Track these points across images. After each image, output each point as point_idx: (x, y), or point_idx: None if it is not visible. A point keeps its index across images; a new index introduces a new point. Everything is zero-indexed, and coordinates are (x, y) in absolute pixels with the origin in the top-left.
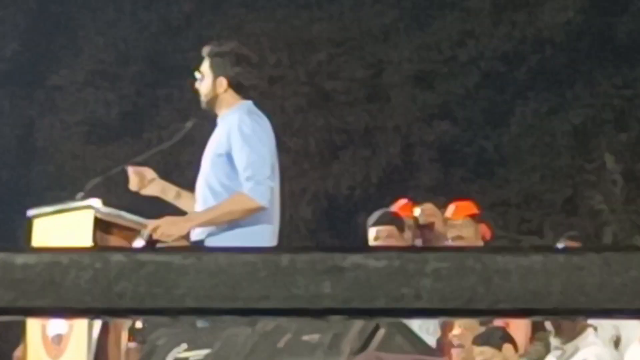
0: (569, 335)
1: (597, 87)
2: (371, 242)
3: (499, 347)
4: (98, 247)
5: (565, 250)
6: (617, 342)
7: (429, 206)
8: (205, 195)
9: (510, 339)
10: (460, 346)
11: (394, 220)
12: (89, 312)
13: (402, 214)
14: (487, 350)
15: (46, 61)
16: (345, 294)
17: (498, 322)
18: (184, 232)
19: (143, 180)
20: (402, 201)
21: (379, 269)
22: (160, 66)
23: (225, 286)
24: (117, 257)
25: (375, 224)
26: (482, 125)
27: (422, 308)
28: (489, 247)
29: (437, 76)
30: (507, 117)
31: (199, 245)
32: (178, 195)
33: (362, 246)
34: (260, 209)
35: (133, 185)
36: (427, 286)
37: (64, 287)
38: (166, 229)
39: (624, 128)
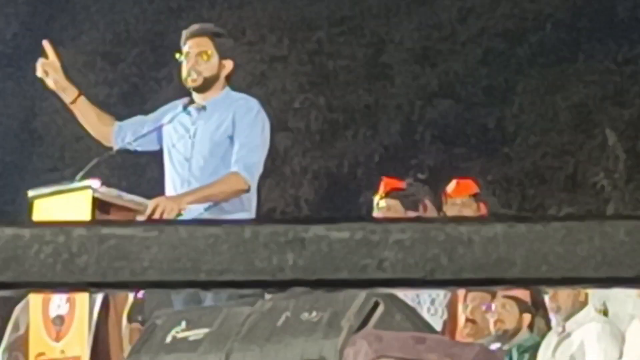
0: (569, 311)
1: (599, 64)
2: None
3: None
4: (59, 222)
5: (527, 219)
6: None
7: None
8: (206, 172)
9: (528, 309)
10: (473, 321)
11: (399, 195)
12: (50, 286)
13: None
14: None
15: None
16: (308, 266)
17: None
18: (183, 207)
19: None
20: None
21: (341, 240)
22: (161, 46)
23: (187, 259)
24: (79, 231)
25: (381, 197)
26: (484, 102)
27: (385, 279)
28: (452, 217)
29: (438, 54)
30: (509, 95)
31: (160, 219)
32: (75, 99)
33: (325, 217)
34: (247, 191)
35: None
36: (390, 257)
37: (26, 262)
38: (166, 205)
39: (626, 104)
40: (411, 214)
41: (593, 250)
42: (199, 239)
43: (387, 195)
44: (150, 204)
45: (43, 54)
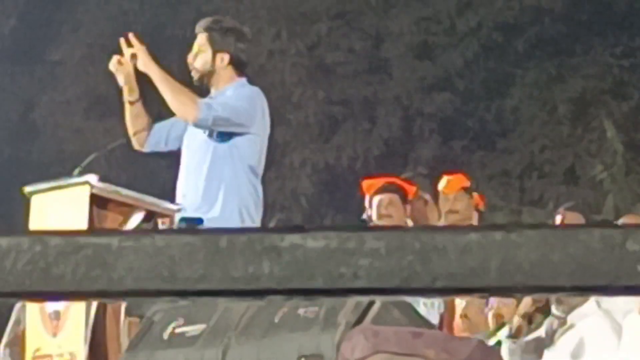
0: (571, 304)
1: (597, 57)
2: (373, 210)
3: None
4: (36, 231)
5: (502, 227)
6: None
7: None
8: (196, 172)
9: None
10: (466, 316)
11: (398, 189)
12: (27, 295)
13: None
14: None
15: (45, 36)
16: (283, 274)
17: None
18: (139, 62)
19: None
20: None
21: (316, 248)
22: (160, 40)
23: (163, 267)
24: (56, 240)
25: (378, 192)
26: (482, 96)
27: (360, 287)
28: (427, 226)
29: (436, 47)
30: (507, 88)
31: (136, 229)
32: (134, 103)
33: (300, 226)
34: (193, 121)
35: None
36: (365, 265)
37: (2, 271)
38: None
39: (624, 97)
40: (408, 207)
41: (567, 258)
42: (175, 248)
43: (383, 190)
44: (129, 51)
45: (119, 49)
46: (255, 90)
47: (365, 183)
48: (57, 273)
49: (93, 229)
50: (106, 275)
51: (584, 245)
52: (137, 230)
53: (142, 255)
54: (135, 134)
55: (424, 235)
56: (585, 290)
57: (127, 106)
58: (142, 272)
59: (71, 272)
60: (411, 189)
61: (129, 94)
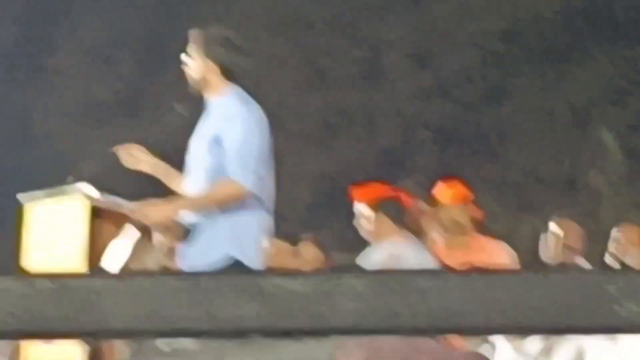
0: None
1: (596, 65)
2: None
3: None
4: (24, 274)
5: (481, 271)
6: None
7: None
8: (197, 178)
9: None
10: None
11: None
12: (14, 335)
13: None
14: None
15: (43, 44)
16: (266, 315)
17: None
18: (168, 217)
19: (133, 157)
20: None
21: (300, 290)
22: (156, 47)
23: (149, 308)
24: (43, 283)
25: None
26: (480, 104)
27: (342, 327)
28: (408, 270)
29: (434, 55)
30: (505, 96)
31: (123, 271)
32: (168, 174)
33: (283, 269)
34: (247, 196)
35: (126, 162)
36: (347, 306)
37: None
38: (150, 213)
39: (623, 105)
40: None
41: (546, 299)
42: (161, 290)
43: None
44: (130, 207)
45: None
46: (258, 116)
47: (355, 191)
48: (44, 314)
49: (90, 242)
50: (94, 316)
51: (562, 287)
52: (124, 273)
53: (129, 296)
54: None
55: (405, 278)
56: (564, 330)
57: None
58: (128, 313)
59: (58, 312)
60: (407, 200)
61: (159, 172)
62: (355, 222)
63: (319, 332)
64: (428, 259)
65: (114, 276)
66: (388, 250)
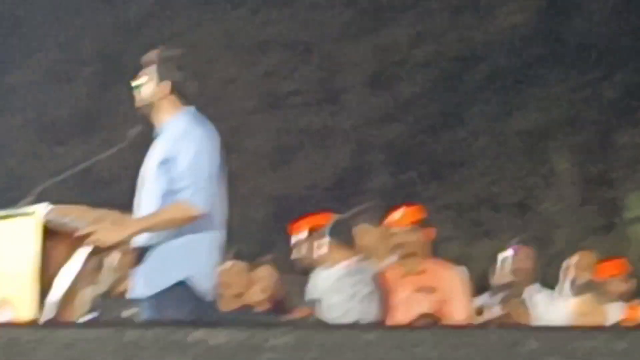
0: None
1: (550, 90)
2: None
3: None
4: None
5: (399, 327)
6: None
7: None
8: (148, 202)
9: None
10: None
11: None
12: None
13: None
14: None
15: (0, 61)
16: None
17: None
18: (119, 239)
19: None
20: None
21: (221, 344)
22: (114, 67)
23: (73, 359)
24: None
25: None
26: (435, 126)
27: None
28: (327, 324)
29: (390, 78)
30: (460, 120)
31: (47, 321)
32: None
33: (207, 321)
34: (200, 217)
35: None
36: None
37: None
38: (102, 235)
39: (578, 130)
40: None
41: (465, 357)
42: (84, 342)
43: (312, 233)
44: (84, 231)
45: None
46: (210, 135)
47: (297, 223)
48: None
49: (42, 262)
50: None
51: (481, 344)
52: (46, 323)
53: (52, 347)
54: None
55: (326, 332)
56: None
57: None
58: None
59: None
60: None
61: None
62: (295, 252)
63: None
64: (370, 285)
65: (37, 327)
66: (333, 276)
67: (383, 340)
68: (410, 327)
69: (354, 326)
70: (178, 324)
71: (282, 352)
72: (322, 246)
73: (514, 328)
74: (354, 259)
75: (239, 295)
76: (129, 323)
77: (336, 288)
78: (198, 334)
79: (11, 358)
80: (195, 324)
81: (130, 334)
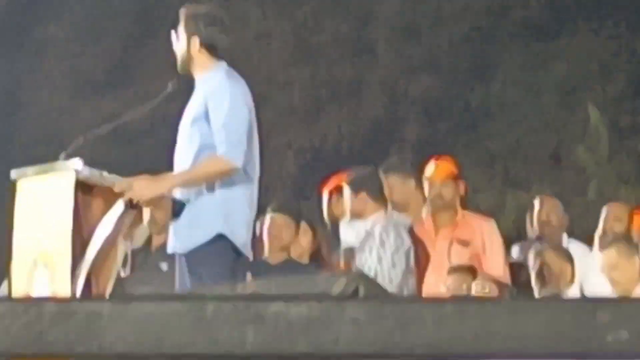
0: (553, 290)
1: (583, 41)
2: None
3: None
4: (31, 298)
5: (476, 299)
6: None
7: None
8: (183, 158)
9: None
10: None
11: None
12: (22, 357)
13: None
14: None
15: (32, 16)
16: (267, 341)
17: None
18: (155, 194)
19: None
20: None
21: (299, 316)
22: (147, 20)
23: (152, 333)
24: (50, 307)
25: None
26: (468, 78)
27: (341, 353)
28: (405, 297)
29: (422, 29)
30: (493, 71)
31: (126, 295)
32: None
33: (284, 294)
34: (235, 171)
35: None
36: (346, 332)
37: None
38: (138, 190)
39: (609, 81)
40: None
41: (540, 327)
42: (163, 314)
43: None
44: (121, 185)
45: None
46: (243, 91)
47: (325, 183)
48: (50, 338)
49: (79, 217)
50: (97, 340)
51: (556, 315)
52: (127, 296)
53: (132, 321)
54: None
55: (402, 305)
56: (557, 357)
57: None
58: (131, 337)
59: (64, 337)
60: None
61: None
62: (326, 207)
63: (319, 358)
64: (393, 237)
65: (117, 301)
66: (364, 228)
67: (460, 313)
68: (485, 299)
69: (434, 299)
70: (256, 297)
71: (362, 324)
72: (351, 200)
73: (584, 300)
74: (384, 211)
75: (284, 248)
76: (207, 297)
77: (368, 240)
78: (276, 307)
79: (87, 333)
80: (273, 297)
81: (210, 307)
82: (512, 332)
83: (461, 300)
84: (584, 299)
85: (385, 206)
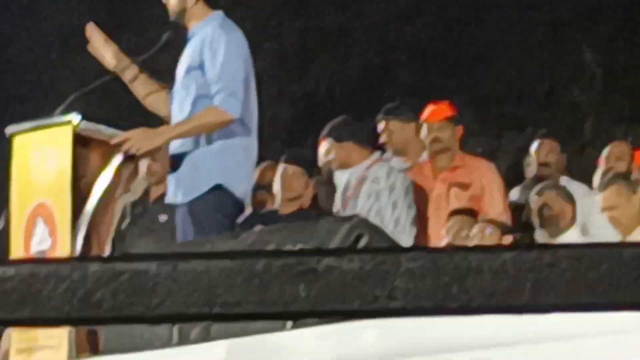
0: (554, 231)
1: None
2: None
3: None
4: (76, 257)
5: (536, 246)
6: None
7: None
8: (179, 109)
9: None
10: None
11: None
12: (67, 322)
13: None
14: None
15: None
16: (320, 297)
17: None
18: (155, 146)
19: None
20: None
21: (352, 270)
22: None
23: (201, 292)
24: (94, 267)
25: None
26: (459, 20)
27: (396, 308)
28: (461, 247)
29: None
30: (484, 12)
31: (175, 253)
32: (135, 77)
33: (337, 249)
34: (232, 121)
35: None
36: (401, 286)
37: (43, 298)
38: (135, 142)
39: (602, 20)
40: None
41: (601, 276)
42: (212, 273)
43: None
44: (119, 137)
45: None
46: (239, 41)
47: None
48: (96, 300)
49: (77, 171)
50: (144, 301)
51: (617, 263)
52: (175, 254)
53: (180, 280)
54: (153, 108)
55: (458, 256)
56: (620, 307)
57: (133, 85)
58: (179, 297)
59: (110, 298)
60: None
61: (125, 74)
62: (320, 156)
63: (374, 314)
64: (401, 179)
65: (165, 259)
66: (357, 174)
67: (516, 262)
68: (546, 245)
69: (490, 248)
70: (307, 252)
71: (416, 276)
72: (336, 150)
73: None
74: (377, 156)
75: (296, 198)
76: (257, 253)
77: (365, 185)
78: (328, 261)
79: (137, 292)
80: (324, 251)
81: (260, 264)
82: (573, 281)
83: (519, 249)
84: (620, 245)
85: (375, 151)
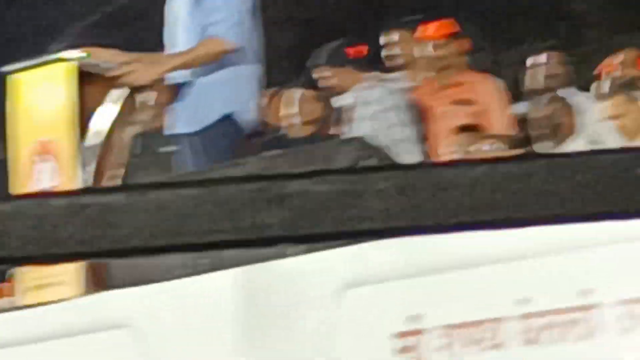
0: (558, 142)
1: None
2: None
3: None
4: (37, 194)
5: (508, 159)
6: None
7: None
8: (182, 39)
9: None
10: None
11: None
12: (33, 260)
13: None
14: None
15: None
16: (291, 221)
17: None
18: (154, 77)
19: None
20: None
21: (323, 192)
22: None
23: (169, 223)
24: (58, 202)
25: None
26: None
27: (370, 229)
28: (435, 163)
29: None
30: None
31: (139, 183)
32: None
33: (305, 172)
34: (234, 50)
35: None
36: (373, 207)
37: (7, 236)
38: (136, 74)
39: None
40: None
41: (577, 186)
42: (180, 202)
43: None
44: (119, 69)
45: None
46: None
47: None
48: (62, 235)
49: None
50: (112, 234)
51: (593, 172)
52: (141, 185)
53: (147, 211)
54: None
55: (433, 173)
56: (596, 217)
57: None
58: (148, 228)
59: (76, 233)
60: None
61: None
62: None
63: (347, 235)
64: (399, 99)
65: (131, 190)
66: (356, 97)
67: (490, 175)
68: (519, 157)
69: (460, 163)
70: (277, 176)
71: (389, 196)
72: (338, 74)
73: (628, 153)
74: (376, 75)
75: (310, 123)
76: (222, 180)
77: (366, 105)
78: (298, 184)
79: (104, 225)
80: (292, 174)
81: (229, 190)
82: (548, 193)
83: (493, 162)
84: (622, 153)
85: (374, 70)
